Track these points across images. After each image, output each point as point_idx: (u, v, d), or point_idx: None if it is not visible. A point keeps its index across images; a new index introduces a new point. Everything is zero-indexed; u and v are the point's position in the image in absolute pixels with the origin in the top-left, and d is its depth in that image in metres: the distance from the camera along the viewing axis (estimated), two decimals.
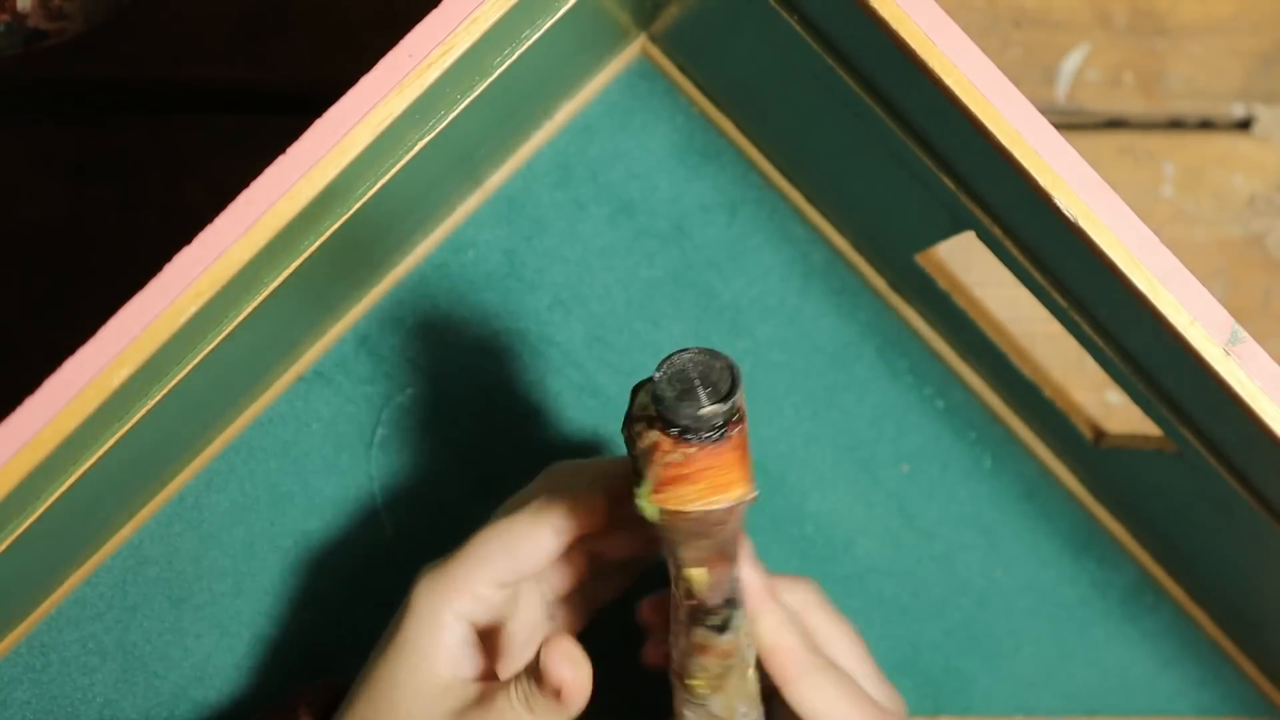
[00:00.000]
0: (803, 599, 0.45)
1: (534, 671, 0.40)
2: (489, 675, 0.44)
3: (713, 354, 0.36)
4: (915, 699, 0.55)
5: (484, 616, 0.43)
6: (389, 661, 0.43)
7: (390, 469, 0.54)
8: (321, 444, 0.53)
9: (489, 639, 0.44)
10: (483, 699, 0.42)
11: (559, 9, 0.42)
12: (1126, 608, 0.55)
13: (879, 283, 0.55)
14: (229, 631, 0.52)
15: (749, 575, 0.43)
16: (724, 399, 0.35)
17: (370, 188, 0.41)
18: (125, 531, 0.52)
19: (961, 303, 0.50)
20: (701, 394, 0.36)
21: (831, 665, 0.43)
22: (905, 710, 0.46)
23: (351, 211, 0.41)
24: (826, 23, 0.41)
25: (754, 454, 0.54)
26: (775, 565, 0.54)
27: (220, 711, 0.53)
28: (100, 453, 0.41)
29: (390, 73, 0.37)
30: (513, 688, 0.41)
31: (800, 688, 0.42)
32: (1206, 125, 0.61)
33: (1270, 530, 0.43)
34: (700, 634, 0.40)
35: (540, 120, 0.54)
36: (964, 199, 0.42)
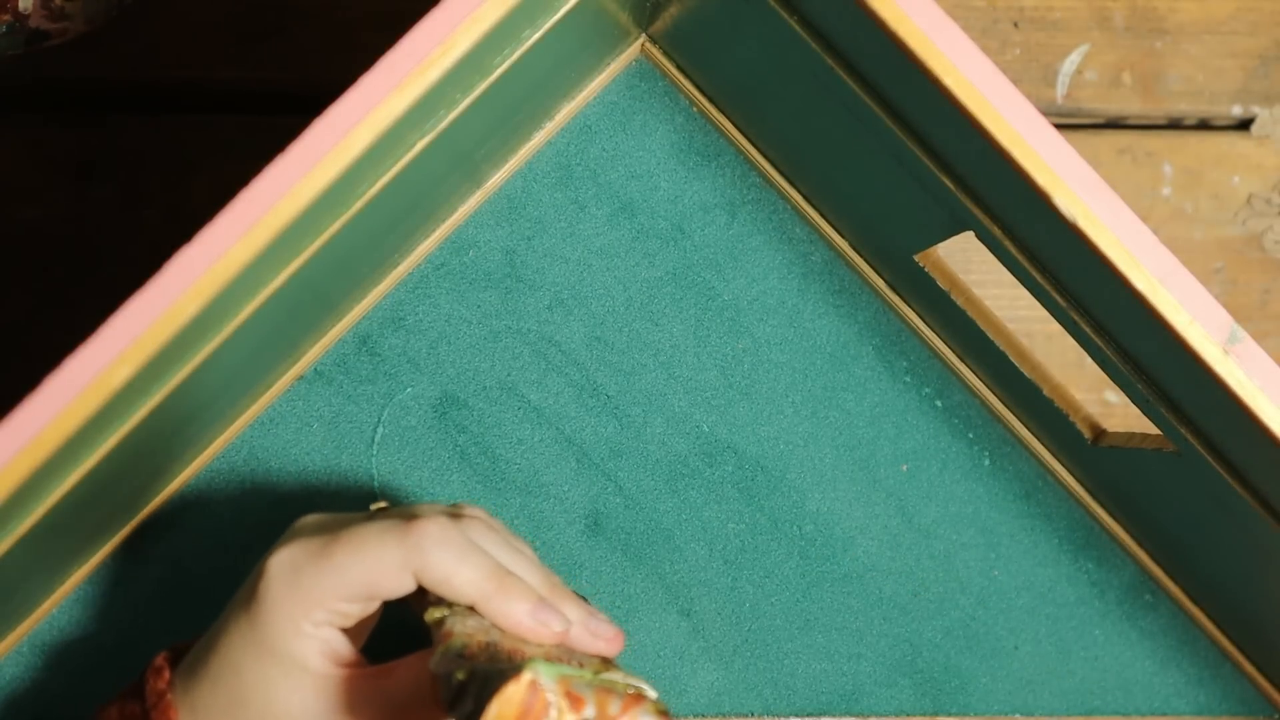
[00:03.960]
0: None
1: None
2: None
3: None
4: (914, 698, 0.55)
5: (348, 620, 0.42)
6: (260, 663, 0.41)
7: (390, 469, 0.54)
8: (322, 444, 0.53)
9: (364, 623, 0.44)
10: (377, 676, 0.41)
11: (559, 9, 0.42)
12: (1125, 607, 0.55)
13: (878, 282, 0.55)
14: None
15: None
16: None
17: (370, 188, 0.41)
18: (125, 531, 0.52)
19: (961, 302, 0.50)
20: None
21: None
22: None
23: (352, 211, 0.41)
24: (826, 23, 0.41)
25: (755, 453, 0.55)
26: (775, 564, 0.54)
27: None
28: (101, 452, 0.41)
29: (390, 73, 0.37)
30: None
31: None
32: (1205, 125, 0.61)
33: (1269, 529, 0.43)
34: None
35: (540, 120, 0.54)
36: (963, 199, 0.42)
